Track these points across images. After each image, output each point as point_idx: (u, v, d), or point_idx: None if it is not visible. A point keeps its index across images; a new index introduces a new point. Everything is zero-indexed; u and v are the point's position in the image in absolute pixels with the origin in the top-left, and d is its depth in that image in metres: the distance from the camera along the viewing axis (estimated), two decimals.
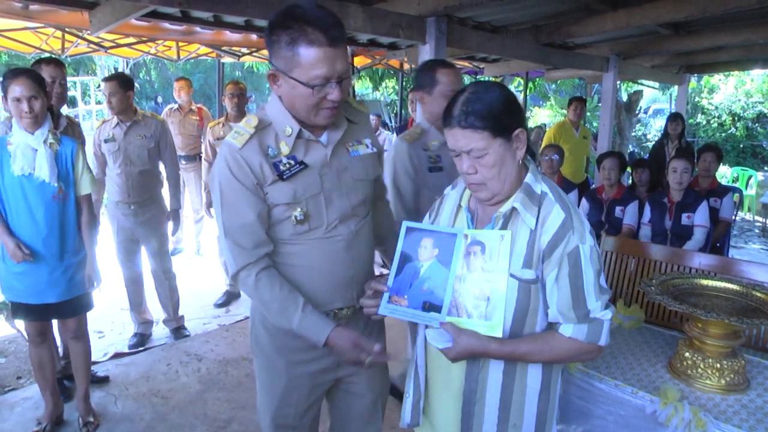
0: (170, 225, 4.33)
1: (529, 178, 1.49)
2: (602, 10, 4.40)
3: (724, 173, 11.53)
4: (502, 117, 1.42)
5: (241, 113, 4.80)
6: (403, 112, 10.01)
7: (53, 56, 4.58)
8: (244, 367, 3.86)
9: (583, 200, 4.70)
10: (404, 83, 10.68)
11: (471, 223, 1.55)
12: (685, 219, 4.13)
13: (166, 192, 4.31)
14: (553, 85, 16.60)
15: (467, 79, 10.51)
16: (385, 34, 3.74)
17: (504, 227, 1.46)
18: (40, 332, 3.00)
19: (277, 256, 1.72)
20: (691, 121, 14.91)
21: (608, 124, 6.52)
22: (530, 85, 12.00)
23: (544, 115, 17.17)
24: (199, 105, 6.42)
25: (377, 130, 7.16)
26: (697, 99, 16.03)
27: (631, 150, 11.90)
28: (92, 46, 5.33)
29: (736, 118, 15.53)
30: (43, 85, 2.80)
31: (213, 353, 4.07)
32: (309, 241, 1.70)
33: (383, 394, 2.04)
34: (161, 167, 4.25)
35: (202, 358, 4.00)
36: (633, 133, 12.61)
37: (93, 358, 3.38)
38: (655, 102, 17.92)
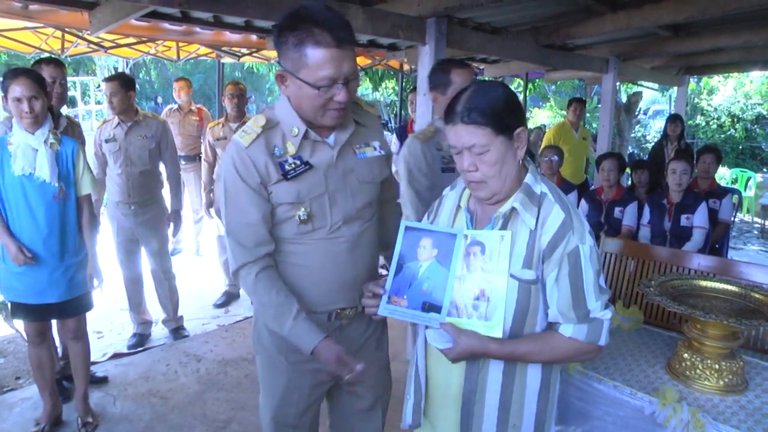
0: (171, 226, 4.34)
1: (528, 179, 1.49)
2: (602, 12, 4.41)
3: (723, 174, 11.54)
4: (505, 115, 1.43)
5: (240, 114, 4.80)
6: (402, 112, 10.00)
7: (53, 56, 4.58)
8: (244, 367, 3.86)
9: (583, 201, 4.70)
10: (404, 84, 10.68)
11: (470, 224, 1.55)
12: (684, 220, 4.13)
13: (166, 192, 4.31)
14: (553, 86, 16.61)
15: None
16: (385, 34, 3.75)
17: (504, 227, 1.46)
18: (40, 332, 3.00)
19: (281, 255, 1.73)
20: (690, 122, 14.92)
21: (608, 126, 6.52)
22: (530, 86, 12.01)
23: (543, 116, 17.18)
24: (198, 105, 6.42)
25: None
26: (696, 100, 16.04)
27: (631, 151, 11.91)
28: (92, 46, 5.33)
29: (735, 120, 15.55)
30: (44, 85, 2.80)
31: (212, 354, 4.07)
32: (312, 241, 1.71)
33: (384, 395, 2.04)
34: (162, 168, 4.26)
35: (201, 359, 4.00)
36: (632, 135, 12.62)
37: (92, 359, 3.37)
38: (655, 103, 17.93)
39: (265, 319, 1.74)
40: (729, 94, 15.70)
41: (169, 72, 17.14)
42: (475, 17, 4.67)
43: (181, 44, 5.74)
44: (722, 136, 15.52)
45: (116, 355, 4.04)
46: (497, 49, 4.83)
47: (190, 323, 4.63)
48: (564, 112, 8.87)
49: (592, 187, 5.56)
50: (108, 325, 4.65)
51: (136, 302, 4.33)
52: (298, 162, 1.65)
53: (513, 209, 1.46)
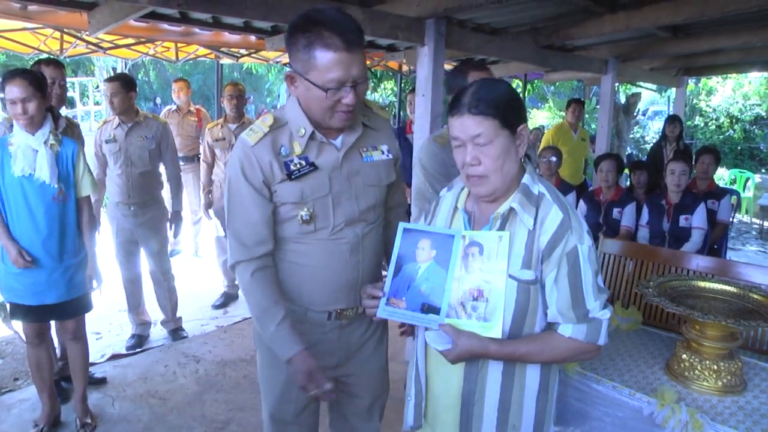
0: (173, 227, 4.34)
1: (526, 179, 1.50)
2: (601, 13, 4.41)
3: (722, 175, 11.55)
4: (510, 110, 1.44)
5: (239, 114, 4.80)
6: (401, 113, 10.00)
7: (52, 57, 4.58)
8: (242, 368, 3.86)
9: (581, 202, 4.71)
10: (403, 85, 10.67)
11: (468, 225, 1.55)
12: (682, 221, 4.14)
13: (166, 193, 4.31)
14: (552, 87, 16.61)
15: None
16: (384, 35, 3.75)
17: (502, 228, 1.46)
18: (38, 333, 3.00)
19: (282, 253, 1.75)
20: (689, 123, 14.93)
21: (606, 126, 6.52)
22: (529, 87, 12.01)
23: (542, 117, 17.17)
24: (197, 106, 6.42)
25: None
26: (695, 101, 16.05)
27: (629, 152, 11.91)
28: (91, 46, 5.32)
29: (733, 121, 15.55)
30: (40, 87, 2.78)
31: (211, 354, 4.07)
32: (314, 241, 1.72)
33: (382, 396, 2.04)
34: (162, 168, 4.26)
35: (200, 360, 3.99)
36: (631, 135, 12.63)
37: (90, 360, 3.37)
38: (654, 104, 17.94)
39: (251, 314, 1.75)
40: (727, 95, 15.70)
41: (167, 73, 17.13)
42: (474, 18, 4.67)
43: (179, 45, 5.74)
44: (721, 136, 15.52)
45: (115, 356, 4.04)
46: (496, 50, 4.83)
47: (189, 324, 4.63)
48: (563, 113, 8.87)
49: (591, 187, 5.57)
50: (107, 326, 4.64)
51: (135, 303, 4.33)
52: (303, 162, 1.66)
53: (511, 209, 1.46)
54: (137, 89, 4.17)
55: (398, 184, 1.96)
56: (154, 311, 4.47)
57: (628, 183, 5.50)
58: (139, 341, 4.30)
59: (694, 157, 5.33)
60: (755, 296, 2.09)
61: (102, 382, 3.62)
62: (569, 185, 5.08)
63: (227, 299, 5.14)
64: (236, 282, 2.23)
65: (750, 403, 1.88)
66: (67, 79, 3.76)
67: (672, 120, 6.94)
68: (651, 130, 16.72)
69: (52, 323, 3.15)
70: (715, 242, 4.69)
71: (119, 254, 4.22)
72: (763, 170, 14.36)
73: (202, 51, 5.93)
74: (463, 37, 4.31)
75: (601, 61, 6.15)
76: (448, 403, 1.57)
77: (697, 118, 16.09)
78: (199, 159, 5.50)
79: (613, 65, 6.20)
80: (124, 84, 3.95)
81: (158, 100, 17.26)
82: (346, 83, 1.55)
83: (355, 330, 1.86)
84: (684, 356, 2.02)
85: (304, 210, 1.67)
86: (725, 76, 14.55)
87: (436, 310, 1.48)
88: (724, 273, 2.81)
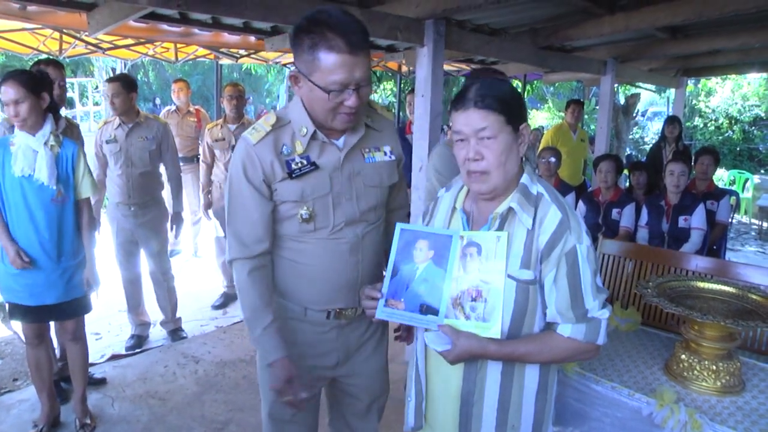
0: (174, 227, 4.34)
1: (524, 179, 1.50)
2: (600, 14, 4.41)
3: (721, 176, 11.55)
4: (513, 107, 1.46)
5: (239, 115, 4.81)
6: (401, 114, 10.00)
7: (51, 57, 4.58)
8: (242, 368, 3.86)
9: (580, 203, 4.71)
10: (402, 85, 10.68)
11: (466, 225, 1.55)
12: (682, 222, 4.15)
13: (166, 194, 4.31)
14: (551, 88, 16.60)
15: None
16: (383, 36, 3.74)
17: (501, 227, 1.46)
18: (38, 334, 3.00)
19: (282, 251, 1.76)
20: (688, 124, 14.94)
21: (605, 127, 6.52)
22: (528, 87, 12.01)
23: (541, 118, 17.17)
24: (196, 107, 6.42)
25: None
26: (694, 102, 16.06)
27: (629, 153, 11.92)
28: (90, 47, 5.32)
29: (732, 122, 15.56)
30: (34, 88, 2.75)
31: (210, 355, 4.07)
32: (314, 240, 1.73)
33: (381, 397, 2.04)
34: (162, 169, 4.26)
35: (199, 360, 3.99)
36: (630, 136, 12.64)
37: (90, 360, 3.37)
38: (653, 105, 17.94)
39: (242, 312, 1.77)
40: (726, 96, 15.71)
41: (167, 73, 17.10)
42: (473, 19, 4.67)
43: (179, 45, 5.74)
44: (720, 137, 15.53)
45: (114, 357, 4.04)
46: (495, 51, 4.83)
47: (188, 325, 4.63)
48: (562, 114, 8.87)
49: (590, 188, 5.57)
50: (106, 327, 4.64)
51: (134, 303, 4.33)
52: (304, 162, 1.67)
53: (510, 209, 1.46)
54: (137, 90, 4.18)
55: (401, 185, 1.96)
56: (153, 312, 4.47)
57: (628, 184, 5.51)
58: (139, 342, 4.30)
59: (693, 157, 5.33)
60: (754, 297, 2.10)
61: (101, 382, 3.63)
62: (568, 186, 5.08)
63: (227, 300, 5.14)
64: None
65: (748, 403, 1.88)
66: (67, 80, 3.76)
67: (671, 121, 6.95)
68: (650, 131, 16.72)
69: (52, 324, 3.15)
70: (714, 243, 4.70)
71: (119, 255, 4.22)
72: (762, 171, 14.37)
73: (202, 51, 5.93)
74: (462, 38, 4.31)
75: (600, 62, 6.15)
76: (447, 404, 1.57)
77: (697, 118, 16.10)
78: (198, 159, 5.51)
79: (612, 66, 6.20)
80: (125, 85, 3.97)
81: (158, 101, 17.23)
82: (349, 86, 1.55)
83: (354, 330, 1.87)
84: (683, 356, 2.02)
85: (304, 209, 1.68)
86: (724, 77, 14.57)
87: (434, 311, 1.48)
88: (723, 273, 2.81)
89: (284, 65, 7.05)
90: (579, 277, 1.42)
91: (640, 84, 9.59)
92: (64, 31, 4.75)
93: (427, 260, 1.51)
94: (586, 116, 11.35)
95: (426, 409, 1.64)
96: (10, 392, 3.56)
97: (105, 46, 5.38)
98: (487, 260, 1.45)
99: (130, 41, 5.26)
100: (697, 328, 2.00)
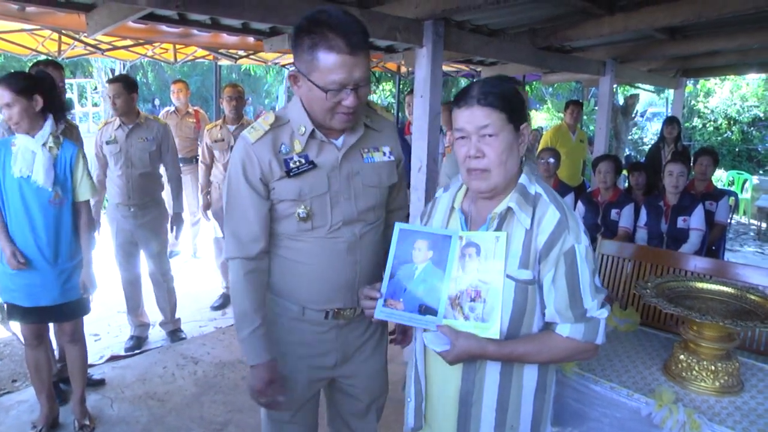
0: (174, 228, 4.34)
1: (523, 179, 1.50)
2: (599, 15, 4.41)
3: (720, 177, 11.55)
4: (515, 106, 1.46)
5: (238, 116, 4.80)
6: (400, 115, 10.01)
7: (50, 58, 4.58)
8: (241, 369, 3.85)
9: (579, 203, 4.71)
10: (401, 86, 10.68)
11: (465, 225, 1.55)
12: (680, 222, 4.15)
13: (166, 195, 4.31)
14: (550, 89, 16.61)
15: (464, 82, 10.52)
16: (382, 37, 3.74)
17: (499, 227, 1.46)
18: (37, 335, 3.00)
19: (280, 250, 1.77)
20: (687, 124, 14.95)
21: (605, 128, 6.52)
22: (527, 88, 12.01)
23: (540, 119, 17.17)
24: (195, 107, 6.42)
25: None
26: (693, 103, 16.06)
27: (628, 153, 11.92)
28: (89, 48, 5.32)
29: (731, 122, 15.56)
30: (25, 91, 2.73)
31: (209, 356, 4.07)
32: (311, 239, 1.73)
33: (380, 398, 2.04)
34: (162, 170, 4.27)
35: (198, 361, 3.99)
36: (629, 137, 12.64)
37: (89, 361, 3.36)
38: (652, 105, 17.95)
39: (233, 309, 1.79)
40: (725, 97, 15.72)
41: (166, 74, 17.08)
42: (472, 19, 4.67)
43: (178, 46, 5.74)
44: (719, 138, 15.54)
45: (113, 358, 4.04)
46: (494, 52, 4.83)
47: (187, 325, 4.63)
48: (561, 115, 8.88)
49: (589, 189, 5.57)
50: (105, 328, 4.64)
51: (134, 304, 4.33)
52: (303, 160, 1.68)
53: (509, 209, 1.47)
54: (138, 91, 4.18)
55: (400, 186, 1.97)
56: (152, 313, 4.47)
57: (627, 184, 5.51)
58: (138, 343, 4.30)
59: (692, 158, 5.33)
60: (752, 297, 2.10)
61: (100, 383, 3.62)
62: (567, 186, 5.08)
63: (226, 300, 5.13)
64: None
65: (747, 403, 1.88)
66: (66, 81, 3.76)
67: (670, 121, 6.96)
68: (649, 132, 16.73)
69: (51, 325, 3.14)
70: (713, 243, 4.70)
71: (119, 255, 4.22)
72: (761, 172, 14.38)
73: (201, 52, 5.93)
74: (461, 39, 4.31)
75: (599, 63, 6.15)
76: (446, 404, 1.57)
77: (695, 119, 16.11)
78: (197, 160, 5.51)
79: (611, 67, 6.20)
80: (127, 85, 3.98)
81: (156, 102, 17.23)
82: (347, 86, 1.56)
83: (353, 330, 1.87)
84: (682, 357, 2.02)
85: (301, 207, 1.69)
86: (723, 77, 14.57)
87: (433, 312, 1.48)
88: (722, 274, 2.81)
89: (283, 66, 7.06)
90: (577, 276, 1.42)
91: (639, 85, 9.60)
92: (63, 32, 4.74)
93: (426, 260, 1.52)
94: (585, 117, 11.35)
95: (425, 410, 1.64)
96: (9, 393, 3.56)
97: (104, 47, 5.38)
98: (486, 260, 1.45)
99: (129, 42, 5.26)
100: (696, 329, 2.00)
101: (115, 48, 5.46)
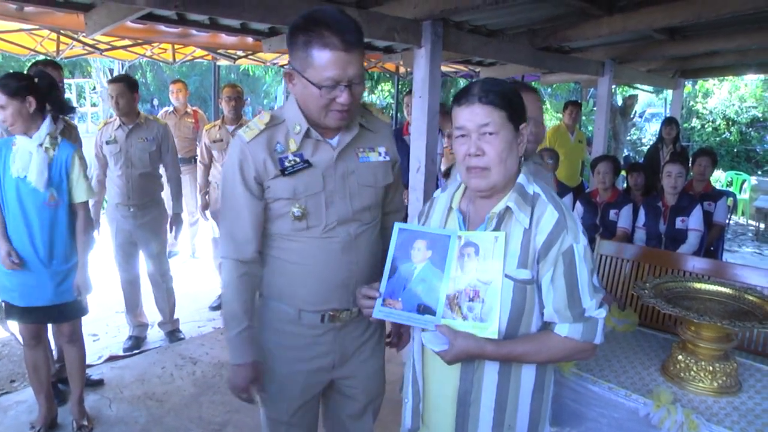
0: (173, 229, 4.35)
1: (521, 179, 1.51)
2: (598, 15, 4.41)
3: (718, 177, 11.57)
4: (516, 105, 1.48)
5: (237, 116, 4.80)
6: (398, 115, 10.01)
7: (49, 58, 4.58)
8: None
9: (578, 203, 4.72)
10: (400, 87, 10.68)
11: (463, 225, 1.55)
12: (679, 223, 4.15)
13: (166, 195, 4.31)
14: (549, 89, 16.61)
15: (462, 83, 10.52)
16: (380, 37, 3.75)
17: (498, 227, 1.47)
18: (35, 335, 2.99)
19: (275, 251, 1.77)
20: (685, 125, 14.96)
21: (603, 128, 6.53)
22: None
23: None
24: (194, 108, 6.42)
25: None
26: (691, 103, 16.08)
27: (626, 154, 11.93)
28: (87, 48, 5.32)
29: (730, 123, 15.59)
30: (17, 93, 2.72)
31: (208, 356, 4.06)
32: (306, 239, 1.73)
33: (377, 399, 2.04)
34: (162, 171, 4.27)
35: (197, 361, 3.99)
36: (628, 137, 12.63)
37: (87, 361, 3.36)
38: (650, 106, 17.96)
39: (222, 306, 1.82)
40: (724, 98, 15.74)
41: (164, 74, 17.07)
42: (471, 20, 4.67)
43: (176, 46, 5.74)
44: (717, 139, 15.56)
45: (112, 358, 4.03)
46: (493, 52, 4.83)
47: (186, 326, 4.63)
48: (560, 115, 8.88)
49: (588, 189, 5.58)
50: (104, 328, 4.63)
51: (133, 305, 4.33)
52: (298, 159, 1.69)
53: (507, 208, 1.47)
54: (138, 91, 4.19)
55: (397, 187, 1.97)
56: (150, 313, 4.46)
57: (625, 185, 5.52)
58: (137, 343, 4.29)
59: (690, 159, 5.34)
60: (750, 298, 2.10)
61: (99, 383, 3.62)
62: (566, 187, 5.08)
63: None
64: None
65: (745, 403, 1.89)
66: (65, 81, 3.76)
67: (669, 122, 6.97)
68: (648, 132, 16.75)
69: (50, 325, 3.14)
70: (712, 244, 4.70)
71: (118, 256, 4.22)
72: (759, 172, 14.39)
73: (199, 53, 5.92)
74: (460, 39, 4.31)
75: (598, 63, 6.16)
76: (444, 404, 1.57)
77: (694, 120, 16.13)
78: (196, 160, 5.51)
79: (610, 67, 6.20)
80: (129, 85, 4.00)
81: (155, 102, 17.22)
82: (341, 82, 1.57)
83: (351, 332, 1.87)
84: (680, 357, 2.02)
85: (296, 206, 1.69)
86: (721, 78, 14.59)
87: (432, 311, 1.48)
88: (720, 274, 2.82)
89: (282, 66, 7.05)
90: (576, 276, 1.43)
91: (638, 85, 9.60)
92: (62, 31, 4.74)
93: (425, 260, 1.52)
94: (583, 117, 11.36)
95: (423, 410, 1.64)
96: (7, 394, 3.55)
97: (102, 47, 5.38)
98: (484, 260, 1.45)
99: (127, 42, 5.26)
100: (694, 329, 2.00)
101: (114, 48, 5.46)
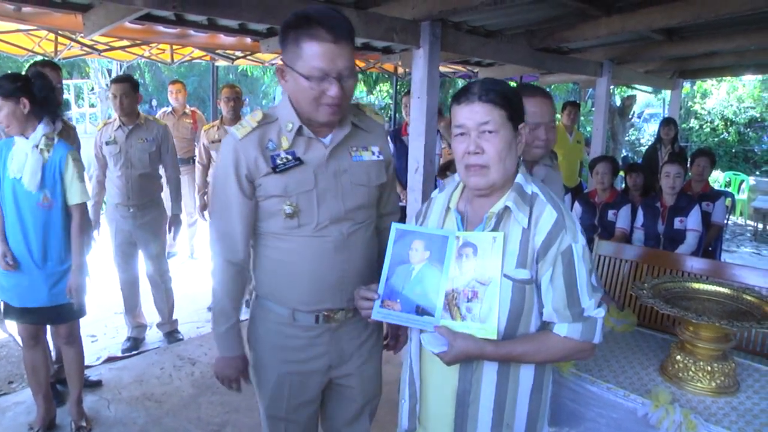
0: (172, 229, 4.35)
1: (519, 179, 1.51)
2: (596, 16, 4.42)
3: (717, 178, 11.58)
4: (515, 105, 1.48)
5: (236, 117, 4.80)
6: (397, 116, 10.01)
7: (47, 59, 4.57)
8: None
9: (576, 204, 4.72)
10: (398, 87, 10.68)
11: (461, 225, 1.55)
12: (677, 223, 4.16)
13: (165, 195, 4.31)
14: (547, 90, 16.63)
15: (461, 83, 10.53)
16: (379, 38, 3.75)
17: (496, 226, 1.47)
18: (33, 336, 2.99)
19: (268, 250, 1.78)
20: (684, 125, 14.97)
21: (602, 129, 6.54)
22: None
23: None
24: (192, 108, 6.42)
25: None
26: (690, 104, 16.09)
27: (625, 154, 11.94)
28: (85, 48, 5.31)
29: (728, 123, 15.61)
30: (10, 95, 2.71)
31: (206, 357, 4.06)
32: (298, 237, 1.73)
33: (374, 400, 2.04)
34: (162, 171, 4.27)
35: (195, 362, 3.99)
36: (626, 138, 12.65)
37: (86, 362, 3.36)
38: (649, 107, 17.99)
39: (212, 301, 1.87)
40: (722, 98, 15.76)
41: (163, 75, 17.07)
42: (469, 20, 4.68)
43: (175, 47, 5.74)
44: (715, 139, 15.58)
45: (110, 359, 4.03)
46: (491, 53, 4.84)
47: (185, 326, 4.62)
48: (558, 116, 8.88)
49: (586, 190, 5.58)
50: (102, 329, 4.63)
51: (131, 305, 4.32)
52: (289, 157, 1.69)
53: (506, 208, 1.47)
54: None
55: (392, 189, 1.97)
56: (149, 314, 4.46)
57: (624, 185, 5.52)
58: (135, 344, 4.29)
59: (689, 159, 5.34)
60: (748, 298, 2.10)
61: (97, 384, 3.62)
62: (564, 187, 5.07)
63: None
64: None
65: (743, 403, 1.89)
66: (63, 82, 3.75)
67: (667, 123, 6.97)
68: (646, 133, 16.77)
69: (49, 326, 3.14)
70: (710, 244, 4.71)
71: (117, 256, 4.22)
72: (758, 173, 14.40)
73: (198, 53, 5.92)
74: (458, 40, 4.31)
75: (596, 64, 6.17)
76: (442, 404, 1.57)
77: (692, 120, 16.14)
78: (194, 161, 5.51)
79: (608, 68, 6.21)
80: (133, 86, 4.03)
81: (154, 103, 17.21)
82: (330, 74, 1.57)
83: (348, 333, 1.86)
84: (678, 357, 2.02)
85: (287, 204, 1.69)
86: (720, 79, 14.61)
87: (430, 312, 1.48)
88: (718, 274, 2.82)
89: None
90: (575, 276, 1.43)
91: (636, 86, 9.60)
92: (60, 32, 4.74)
93: (423, 261, 1.51)
94: (582, 118, 11.37)
95: (420, 411, 1.64)
96: (5, 395, 3.55)
97: (101, 47, 5.38)
98: (483, 261, 1.45)
99: (125, 43, 5.26)
100: (692, 329, 2.00)
101: (112, 48, 5.46)
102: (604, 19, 4.43)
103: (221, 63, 6.54)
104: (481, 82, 1.48)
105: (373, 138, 1.85)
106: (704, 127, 15.98)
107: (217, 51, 5.78)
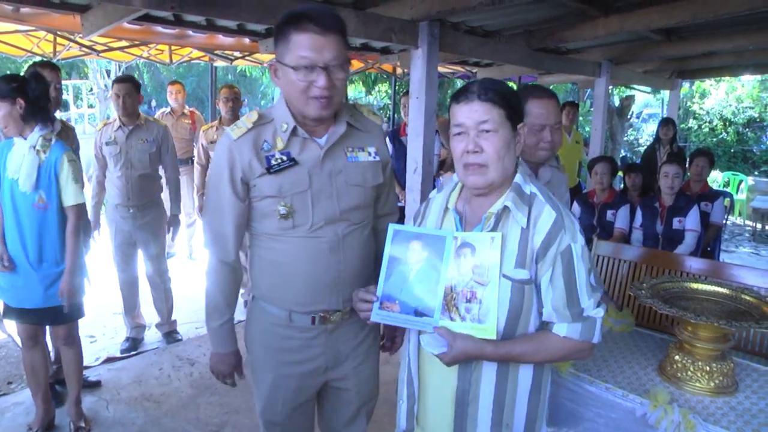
0: (171, 230, 4.35)
1: (518, 179, 1.51)
2: (595, 16, 4.43)
3: (716, 178, 11.58)
4: (514, 104, 1.49)
5: (235, 117, 4.80)
6: (395, 116, 10.01)
7: (46, 60, 4.57)
8: None
9: (575, 204, 4.72)
10: (397, 87, 10.68)
11: (459, 225, 1.55)
12: (676, 223, 4.16)
13: (165, 196, 4.31)
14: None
15: (459, 83, 10.52)
16: (377, 38, 3.75)
17: (495, 226, 1.46)
18: (32, 336, 2.99)
19: (262, 251, 1.78)
20: (682, 125, 14.98)
21: (600, 129, 6.55)
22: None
23: None
24: (191, 109, 6.41)
25: None
26: (688, 104, 16.10)
27: (623, 155, 11.95)
28: (84, 49, 5.32)
29: (727, 123, 15.61)
30: (6, 96, 2.71)
31: (205, 357, 4.05)
32: (292, 238, 1.73)
33: (372, 400, 2.04)
34: (161, 172, 4.27)
35: (194, 363, 3.98)
36: (625, 138, 12.66)
37: (85, 363, 3.35)
38: (647, 107, 17.99)
39: (205, 297, 1.89)
40: (721, 98, 15.77)
41: (161, 75, 17.07)
42: (467, 21, 4.68)
43: (173, 48, 5.74)
44: (714, 139, 15.58)
45: (109, 360, 4.02)
46: (490, 53, 4.84)
47: (183, 327, 4.62)
48: None
49: (585, 190, 5.58)
50: (101, 329, 4.63)
51: (131, 306, 4.32)
52: (284, 157, 1.69)
53: (505, 208, 1.47)
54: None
55: (390, 189, 1.96)
56: (148, 314, 4.46)
57: (622, 185, 5.52)
58: (134, 344, 4.29)
59: (687, 159, 5.35)
60: (747, 298, 2.10)
61: (96, 385, 3.61)
62: None
63: None
64: None
65: (741, 403, 1.89)
66: (62, 82, 3.75)
67: (666, 123, 6.98)
68: (645, 133, 16.78)
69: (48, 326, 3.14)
70: (709, 244, 4.71)
71: (117, 257, 4.21)
72: (756, 173, 14.41)
73: (196, 54, 5.93)
74: (456, 40, 4.32)
75: (595, 64, 6.17)
76: (442, 404, 1.56)
77: (691, 120, 16.15)
78: (193, 162, 5.51)
79: (607, 68, 6.22)
80: (135, 86, 4.04)
81: (153, 103, 17.20)
82: (316, 64, 1.57)
83: (344, 334, 1.85)
84: (677, 357, 2.02)
85: (281, 204, 1.69)
86: (718, 79, 14.62)
87: (429, 313, 1.48)
88: (717, 275, 2.82)
89: None
90: (574, 276, 1.43)
91: (635, 86, 9.61)
92: (58, 33, 4.74)
93: (421, 262, 1.51)
94: (580, 118, 11.37)
95: (418, 411, 1.64)
96: (4, 395, 3.54)
97: (99, 48, 5.38)
98: (481, 261, 1.45)
99: (124, 43, 5.26)
100: (691, 329, 2.00)
101: (111, 49, 5.46)
102: (603, 19, 4.43)
103: (220, 63, 6.55)
104: (481, 82, 1.48)
105: (370, 138, 1.84)
106: (703, 127, 15.99)
107: (215, 51, 5.78)
